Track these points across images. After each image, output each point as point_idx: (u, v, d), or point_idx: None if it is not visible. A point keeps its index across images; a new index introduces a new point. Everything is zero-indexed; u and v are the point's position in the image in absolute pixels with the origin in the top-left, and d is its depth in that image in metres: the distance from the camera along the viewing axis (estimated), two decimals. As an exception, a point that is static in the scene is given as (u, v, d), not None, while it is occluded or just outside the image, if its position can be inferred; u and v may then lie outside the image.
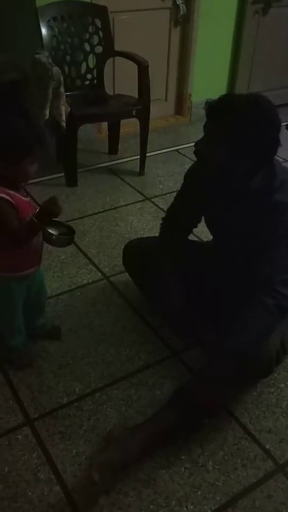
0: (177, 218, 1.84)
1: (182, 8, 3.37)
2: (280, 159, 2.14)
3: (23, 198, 1.44)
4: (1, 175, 1.38)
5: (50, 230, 1.53)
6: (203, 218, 1.83)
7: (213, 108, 1.44)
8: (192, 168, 1.76)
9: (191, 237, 1.99)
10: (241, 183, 1.52)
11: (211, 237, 1.89)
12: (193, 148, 1.52)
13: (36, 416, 1.57)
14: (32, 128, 1.36)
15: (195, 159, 1.58)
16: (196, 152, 1.53)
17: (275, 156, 1.51)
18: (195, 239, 2.22)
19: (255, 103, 1.42)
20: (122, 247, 2.07)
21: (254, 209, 1.54)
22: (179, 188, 1.86)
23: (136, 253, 1.98)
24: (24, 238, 1.46)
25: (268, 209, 1.50)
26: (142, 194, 2.86)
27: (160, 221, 1.92)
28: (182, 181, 1.81)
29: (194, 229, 1.93)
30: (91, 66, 2.96)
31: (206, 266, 1.77)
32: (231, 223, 1.63)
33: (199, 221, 1.86)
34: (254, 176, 1.50)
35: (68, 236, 1.58)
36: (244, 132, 1.39)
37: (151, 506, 1.35)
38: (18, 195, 1.42)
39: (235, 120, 1.39)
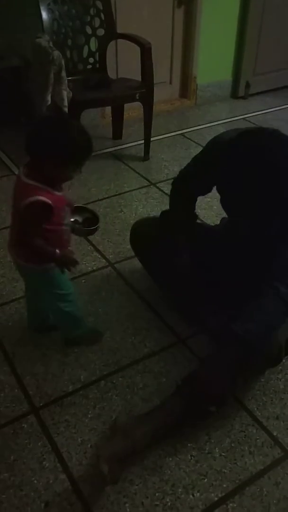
0: (190, 183, 1.77)
1: (186, -13, 3.30)
2: None
3: (58, 194, 1.43)
4: (44, 174, 1.38)
5: (73, 217, 1.55)
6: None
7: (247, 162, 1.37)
8: (222, 141, 1.58)
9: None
10: None
11: (217, 223, 1.85)
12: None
13: (41, 404, 1.57)
14: (87, 140, 1.38)
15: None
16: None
17: None
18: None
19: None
20: (127, 234, 2.04)
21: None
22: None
23: (144, 231, 1.92)
24: (34, 248, 1.45)
25: None
26: (146, 179, 2.82)
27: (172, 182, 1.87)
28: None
29: (200, 215, 1.88)
30: (93, 49, 2.91)
31: (215, 250, 1.73)
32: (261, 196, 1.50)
33: (209, 191, 1.77)
34: None
35: (90, 226, 1.59)
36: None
37: (157, 494, 1.35)
38: (54, 191, 1.41)
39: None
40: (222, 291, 1.72)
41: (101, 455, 1.31)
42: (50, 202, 1.38)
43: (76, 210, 1.59)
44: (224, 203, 1.71)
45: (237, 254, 1.66)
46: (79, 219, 1.58)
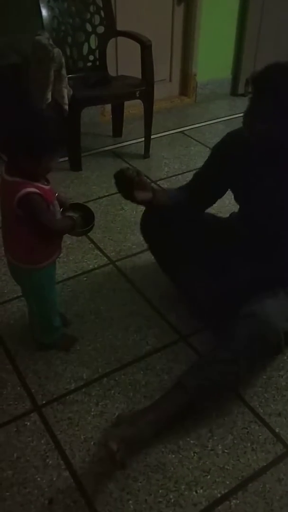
0: (200, 191, 1.77)
1: (185, -16, 3.29)
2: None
3: (45, 187, 1.43)
4: (23, 169, 1.37)
5: (68, 214, 1.54)
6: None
7: (259, 80, 1.38)
8: (224, 142, 1.66)
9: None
10: None
11: (225, 215, 1.84)
12: (241, 120, 1.48)
13: (43, 402, 1.57)
14: (57, 127, 1.36)
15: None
16: (245, 125, 1.46)
17: None
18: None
19: None
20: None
21: None
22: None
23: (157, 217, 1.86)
24: (59, 230, 1.50)
25: None
26: (147, 177, 2.79)
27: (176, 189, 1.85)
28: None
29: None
30: (93, 47, 2.91)
31: (227, 243, 1.73)
32: (273, 192, 1.56)
33: (220, 197, 1.80)
34: None
35: (85, 225, 1.56)
36: None
37: (160, 491, 1.35)
38: (40, 185, 1.41)
39: (284, 90, 1.33)
40: (230, 281, 1.72)
41: (109, 437, 1.31)
42: (39, 191, 1.37)
43: (71, 207, 1.57)
44: (240, 199, 1.73)
45: (248, 245, 1.66)
46: (74, 216, 1.55)
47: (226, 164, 1.63)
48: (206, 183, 1.74)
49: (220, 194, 1.79)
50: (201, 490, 1.35)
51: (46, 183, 1.44)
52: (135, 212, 2.49)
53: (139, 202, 1.63)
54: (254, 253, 1.63)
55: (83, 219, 1.55)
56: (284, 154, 1.48)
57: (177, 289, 1.93)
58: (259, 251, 1.61)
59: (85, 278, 2.08)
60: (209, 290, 1.72)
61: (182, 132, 3.34)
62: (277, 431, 1.50)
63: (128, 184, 1.55)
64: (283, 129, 1.39)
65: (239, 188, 1.71)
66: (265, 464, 1.42)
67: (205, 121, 3.47)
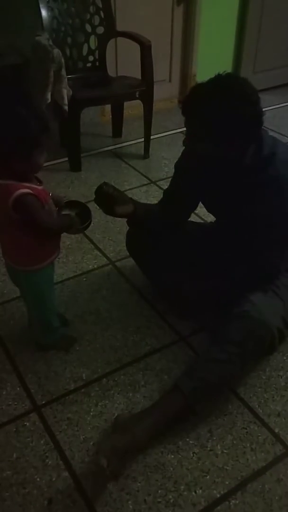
0: (175, 202, 1.80)
1: (185, -15, 3.29)
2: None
3: (38, 187, 1.42)
4: (12, 170, 1.36)
5: (64, 212, 1.53)
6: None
7: (185, 105, 1.41)
8: (182, 159, 1.72)
9: (196, 219, 1.96)
10: (235, 162, 1.49)
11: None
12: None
13: (43, 402, 1.57)
14: (37, 118, 1.33)
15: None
16: (184, 145, 1.51)
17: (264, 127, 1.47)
18: (201, 221, 2.18)
19: (223, 86, 1.37)
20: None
21: (250, 185, 1.50)
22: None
23: (141, 234, 1.92)
24: (57, 229, 1.49)
25: (263, 184, 1.48)
26: (147, 177, 2.82)
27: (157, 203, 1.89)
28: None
29: (202, 213, 1.90)
30: (92, 47, 2.91)
31: (208, 246, 1.75)
32: (231, 203, 1.60)
33: (197, 205, 1.85)
34: (246, 152, 1.47)
35: (82, 222, 1.54)
36: (220, 121, 1.36)
37: (159, 491, 1.35)
38: (33, 185, 1.40)
39: (207, 113, 1.36)
40: (214, 286, 1.73)
41: (100, 450, 1.32)
42: (32, 192, 1.37)
43: (66, 205, 1.57)
44: (208, 208, 1.80)
45: (227, 249, 1.68)
46: (71, 214, 1.54)
47: (190, 179, 1.67)
48: (176, 199, 1.78)
49: (192, 207, 1.86)
50: (200, 491, 1.35)
51: (38, 183, 1.44)
52: (135, 212, 2.49)
53: (119, 216, 1.70)
54: (236, 255, 1.65)
55: (80, 216, 1.53)
56: (231, 168, 1.51)
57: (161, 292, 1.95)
58: (239, 253, 1.64)
59: (84, 279, 2.08)
60: (197, 292, 1.74)
61: (182, 132, 3.33)
62: (276, 431, 1.50)
63: (107, 200, 1.63)
64: (214, 149, 1.42)
65: (206, 199, 1.77)
66: (264, 464, 1.42)
67: (205, 122, 3.47)
